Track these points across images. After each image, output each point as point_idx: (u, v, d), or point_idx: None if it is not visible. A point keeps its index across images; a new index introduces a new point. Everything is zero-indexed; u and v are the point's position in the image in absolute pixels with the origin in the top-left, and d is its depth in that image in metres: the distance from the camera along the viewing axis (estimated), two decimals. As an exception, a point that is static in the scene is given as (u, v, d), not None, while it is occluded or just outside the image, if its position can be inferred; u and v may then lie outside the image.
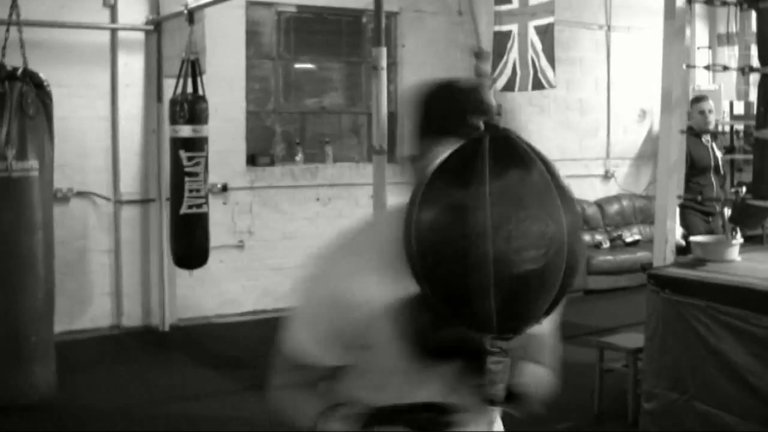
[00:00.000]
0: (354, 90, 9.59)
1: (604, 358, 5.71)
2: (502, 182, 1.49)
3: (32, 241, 5.78)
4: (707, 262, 4.97)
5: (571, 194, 1.57)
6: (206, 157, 7.16)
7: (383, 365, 1.85)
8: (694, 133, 6.73)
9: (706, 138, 7.21)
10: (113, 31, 7.93)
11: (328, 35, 9.35)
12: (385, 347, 1.79)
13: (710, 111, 7.20)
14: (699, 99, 7.28)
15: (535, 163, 1.52)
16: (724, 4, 5.28)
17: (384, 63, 4.98)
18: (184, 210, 7.12)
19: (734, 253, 5.05)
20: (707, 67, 5.53)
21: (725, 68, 5.66)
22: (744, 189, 6.26)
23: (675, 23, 4.99)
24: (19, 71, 5.75)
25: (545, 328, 1.85)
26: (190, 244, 7.25)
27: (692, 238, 5.31)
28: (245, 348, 7.51)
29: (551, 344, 1.97)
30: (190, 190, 7.10)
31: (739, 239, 5.15)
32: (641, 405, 5.03)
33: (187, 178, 7.09)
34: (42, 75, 5.87)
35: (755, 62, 5.20)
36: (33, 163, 5.74)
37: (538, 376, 1.88)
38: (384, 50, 5.00)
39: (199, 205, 7.16)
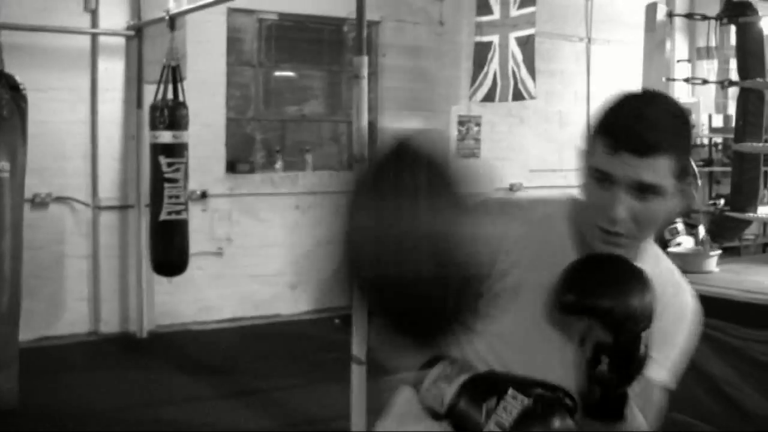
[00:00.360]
0: (334, 98, 9.60)
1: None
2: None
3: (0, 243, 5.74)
4: (685, 273, 4.98)
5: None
6: (186, 164, 7.14)
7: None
8: None
9: None
10: (94, 36, 7.91)
11: (309, 43, 9.36)
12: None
13: (693, 126, 7.25)
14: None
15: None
16: (704, 18, 5.33)
17: (365, 72, 4.98)
18: (163, 216, 7.09)
19: (712, 264, 5.07)
20: (687, 80, 5.56)
21: (705, 81, 5.72)
22: (723, 201, 6.32)
23: (655, 36, 5.03)
24: (-3, 75, 5.73)
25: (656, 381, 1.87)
26: (170, 251, 7.21)
27: (670, 249, 5.33)
28: (223, 355, 7.51)
29: (657, 402, 1.93)
30: (170, 197, 7.07)
31: (717, 250, 5.18)
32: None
33: (166, 185, 7.06)
34: (18, 78, 5.84)
35: (734, 76, 5.26)
36: (4, 164, 5.69)
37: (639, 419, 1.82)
38: (365, 59, 4.99)
39: (179, 212, 7.13)
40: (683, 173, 1.71)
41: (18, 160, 5.81)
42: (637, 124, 1.66)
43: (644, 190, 1.67)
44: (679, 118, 1.72)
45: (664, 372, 1.92)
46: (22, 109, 5.83)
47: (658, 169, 1.66)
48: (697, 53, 11.28)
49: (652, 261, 1.90)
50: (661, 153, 1.65)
